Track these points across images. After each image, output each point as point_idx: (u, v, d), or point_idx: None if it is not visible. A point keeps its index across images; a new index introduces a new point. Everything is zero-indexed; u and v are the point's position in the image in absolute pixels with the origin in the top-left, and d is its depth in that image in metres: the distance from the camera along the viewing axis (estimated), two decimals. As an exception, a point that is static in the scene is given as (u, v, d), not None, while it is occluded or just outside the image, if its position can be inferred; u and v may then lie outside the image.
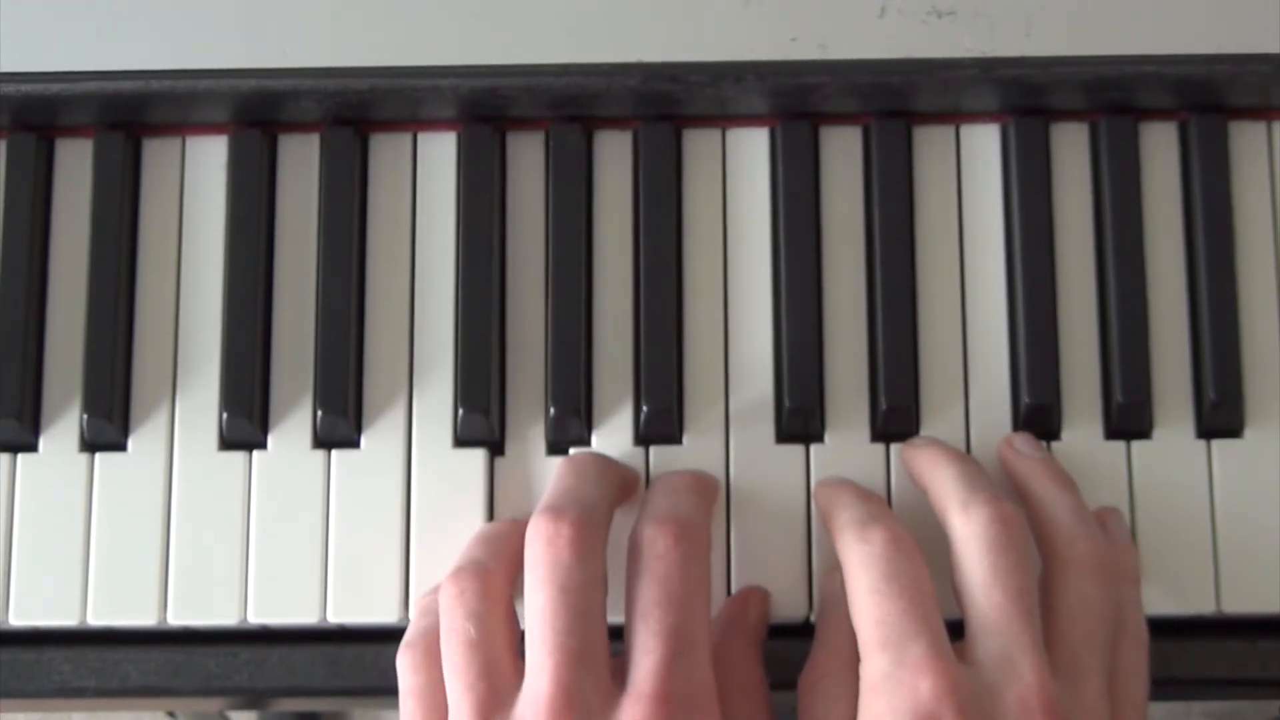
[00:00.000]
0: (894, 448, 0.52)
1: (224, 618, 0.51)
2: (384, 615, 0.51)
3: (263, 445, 0.52)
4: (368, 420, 0.52)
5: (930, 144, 0.54)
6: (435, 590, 0.49)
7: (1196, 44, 0.51)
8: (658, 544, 0.45)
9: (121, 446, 0.52)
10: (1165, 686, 0.48)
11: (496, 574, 0.47)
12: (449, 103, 0.53)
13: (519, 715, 0.43)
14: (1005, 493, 0.47)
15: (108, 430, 0.52)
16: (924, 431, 0.52)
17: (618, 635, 0.46)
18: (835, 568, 0.49)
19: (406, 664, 0.47)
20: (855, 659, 0.46)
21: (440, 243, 0.53)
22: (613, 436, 0.52)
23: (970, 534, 0.45)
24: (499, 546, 0.48)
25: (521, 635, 0.46)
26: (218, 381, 0.52)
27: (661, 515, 0.46)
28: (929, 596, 0.44)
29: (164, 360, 0.53)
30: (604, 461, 0.50)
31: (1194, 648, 0.51)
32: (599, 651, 0.44)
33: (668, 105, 0.53)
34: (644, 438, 0.52)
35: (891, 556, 0.44)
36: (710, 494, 0.50)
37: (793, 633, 0.51)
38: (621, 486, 0.50)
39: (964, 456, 0.49)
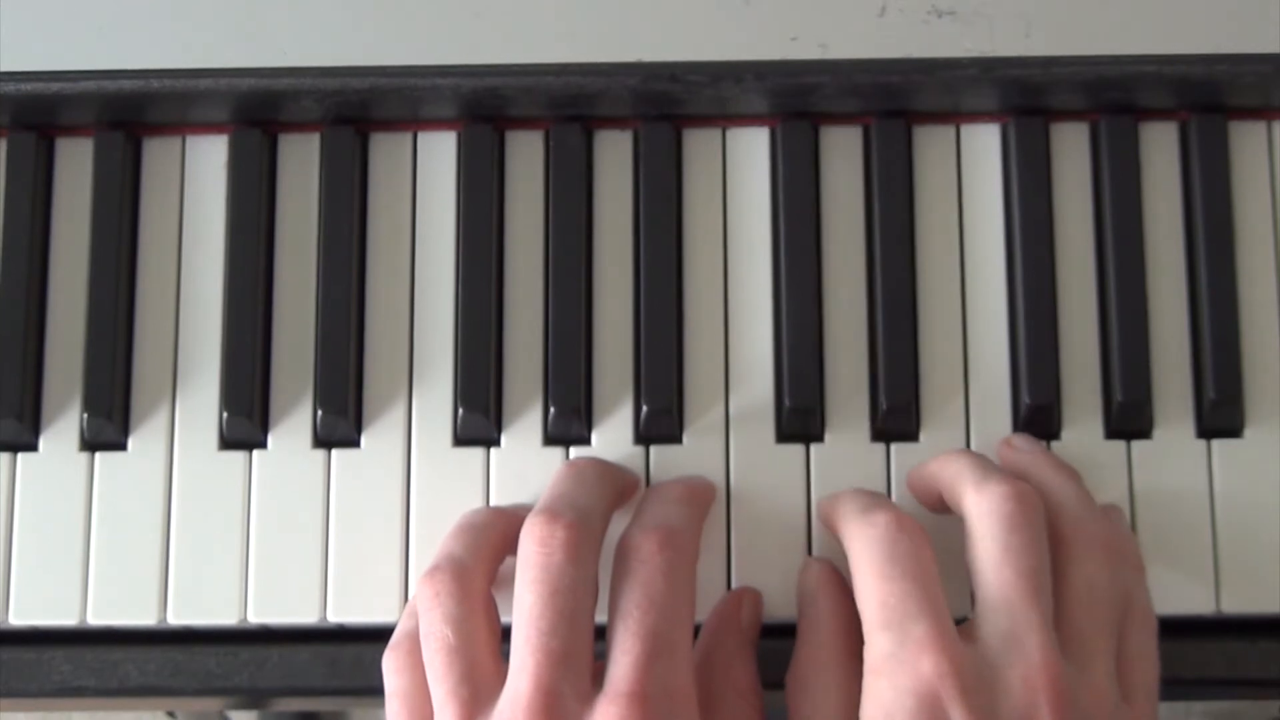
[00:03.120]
0: (894, 448, 0.52)
1: (224, 618, 0.51)
2: (384, 615, 0.51)
3: (263, 445, 0.52)
4: (368, 420, 0.52)
5: (930, 144, 0.54)
6: None
7: (1196, 44, 0.51)
8: (642, 549, 0.45)
9: (121, 446, 0.52)
10: (1165, 686, 0.48)
11: (474, 571, 0.46)
12: (449, 103, 0.53)
13: (499, 713, 0.44)
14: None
15: (108, 430, 0.52)
16: (924, 432, 0.52)
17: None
18: (809, 562, 0.50)
19: (391, 665, 0.47)
20: (841, 652, 0.47)
21: (440, 242, 0.53)
22: (612, 436, 0.52)
23: (985, 510, 0.45)
24: (479, 540, 0.48)
25: (504, 630, 0.46)
26: (218, 381, 0.52)
27: (649, 523, 0.46)
28: (932, 577, 0.44)
29: (164, 360, 0.53)
30: (603, 466, 0.50)
31: (1194, 648, 0.51)
32: (582, 654, 0.44)
33: (668, 105, 0.53)
34: (644, 437, 0.52)
35: (895, 538, 0.44)
36: (703, 504, 0.50)
37: (792, 632, 0.50)
38: (620, 491, 0.50)
39: (974, 452, 0.50)
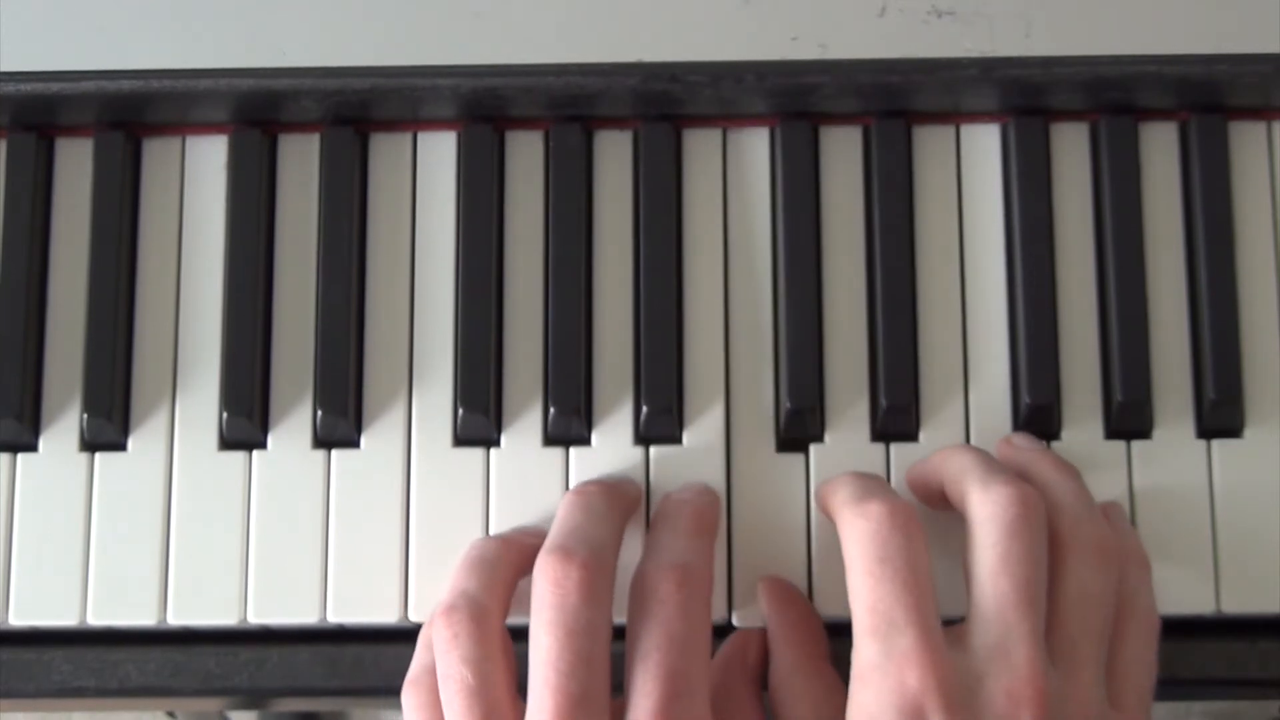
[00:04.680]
0: (894, 448, 0.52)
1: (224, 618, 0.51)
2: (384, 615, 0.51)
3: (263, 445, 0.52)
4: (368, 420, 0.52)
5: (930, 144, 0.54)
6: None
7: (1196, 44, 0.51)
8: (660, 589, 0.45)
9: (121, 446, 0.52)
10: (1165, 686, 0.48)
11: (490, 610, 0.46)
12: (449, 103, 0.53)
13: None
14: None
15: (108, 430, 0.52)
16: (924, 432, 0.52)
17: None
18: (758, 584, 0.50)
19: (412, 702, 0.47)
20: (801, 659, 0.48)
21: (440, 243, 0.53)
22: (612, 436, 0.52)
23: (988, 514, 0.45)
24: (491, 576, 0.47)
25: (521, 663, 0.46)
26: (218, 381, 0.52)
27: (665, 560, 0.46)
28: (923, 577, 0.44)
29: (164, 360, 0.53)
30: (610, 492, 0.50)
31: (1194, 648, 0.51)
32: (600, 695, 0.44)
33: (668, 105, 0.53)
34: (644, 437, 0.52)
35: (887, 535, 0.44)
36: (713, 528, 0.50)
37: (793, 633, 0.51)
38: (628, 511, 0.50)
39: (978, 448, 0.50)
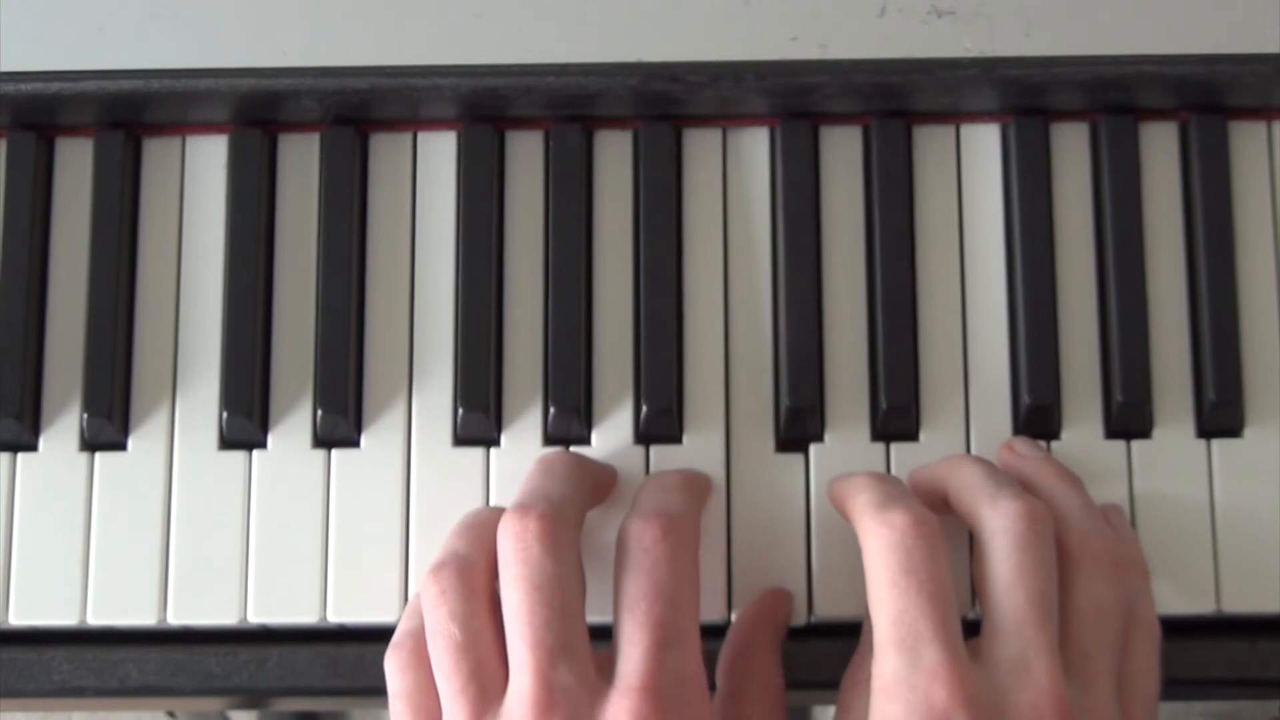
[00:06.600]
0: (894, 448, 0.52)
1: (224, 618, 0.51)
2: (384, 615, 0.51)
3: (263, 445, 0.52)
4: (368, 420, 0.52)
5: (930, 144, 0.54)
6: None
7: (1196, 44, 0.51)
8: (644, 538, 0.45)
9: (121, 446, 0.52)
10: (1165, 686, 0.48)
11: (478, 567, 0.46)
12: (449, 103, 0.53)
13: (507, 712, 0.43)
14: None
15: (108, 430, 0.52)
16: (924, 432, 0.52)
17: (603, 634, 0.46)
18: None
19: (394, 665, 0.47)
20: None
21: (440, 242, 0.53)
22: (613, 436, 0.52)
23: (999, 528, 0.45)
24: (480, 536, 0.47)
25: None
26: (218, 381, 0.52)
27: (649, 510, 0.46)
28: (947, 590, 0.43)
29: (164, 360, 0.53)
30: (575, 459, 0.50)
31: (1194, 648, 0.51)
32: (579, 645, 0.44)
33: (668, 105, 0.53)
34: (644, 437, 0.52)
35: (912, 546, 0.44)
36: (701, 491, 0.50)
37: (792, 634, 0.51)
38: (596, 482, 0.50)
39: (983, 459, 0.49)
